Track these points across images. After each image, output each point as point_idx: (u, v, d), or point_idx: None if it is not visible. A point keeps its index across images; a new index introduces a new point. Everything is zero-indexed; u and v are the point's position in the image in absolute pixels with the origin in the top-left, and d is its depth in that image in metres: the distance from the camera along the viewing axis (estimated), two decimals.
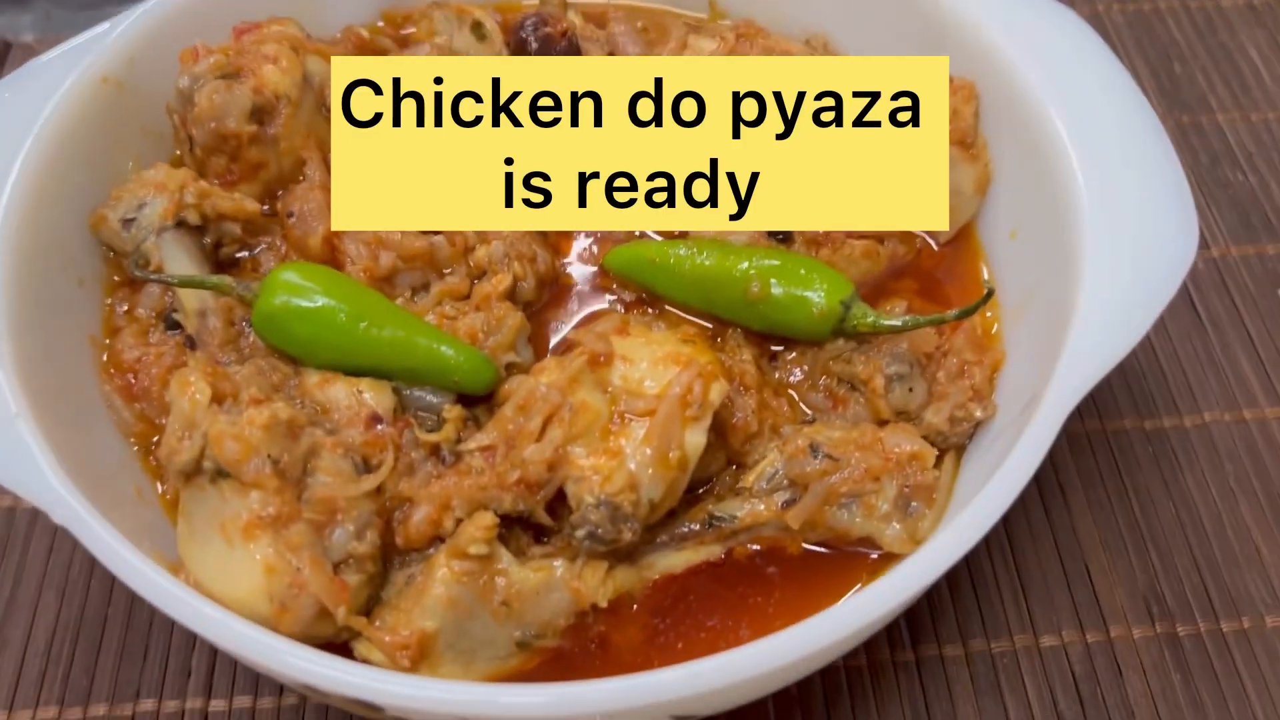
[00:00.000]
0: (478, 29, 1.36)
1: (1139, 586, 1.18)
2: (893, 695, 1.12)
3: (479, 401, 1.09)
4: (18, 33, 1.75)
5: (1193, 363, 1.34)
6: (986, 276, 1.21)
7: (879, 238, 1.19)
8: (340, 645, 0.94)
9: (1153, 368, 1.32)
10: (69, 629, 1.15)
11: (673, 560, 1.05)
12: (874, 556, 1.05)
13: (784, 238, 1.18)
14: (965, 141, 1.19)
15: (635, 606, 1.03)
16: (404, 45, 1.37)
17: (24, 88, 1.13)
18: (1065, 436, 1.25)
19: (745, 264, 1.12)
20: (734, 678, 0.79)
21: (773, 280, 1.10)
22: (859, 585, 1.03)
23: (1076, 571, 1.19)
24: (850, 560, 1.05)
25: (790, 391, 1.14)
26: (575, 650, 1.00)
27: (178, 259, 1.13)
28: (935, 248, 1.25)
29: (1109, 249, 1.03)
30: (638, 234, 1.24)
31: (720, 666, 0.80)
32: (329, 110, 1.25)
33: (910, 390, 1.08)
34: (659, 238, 1.22)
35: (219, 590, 0.91)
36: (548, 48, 1.31)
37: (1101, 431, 1.29)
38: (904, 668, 1.14)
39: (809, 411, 1.13)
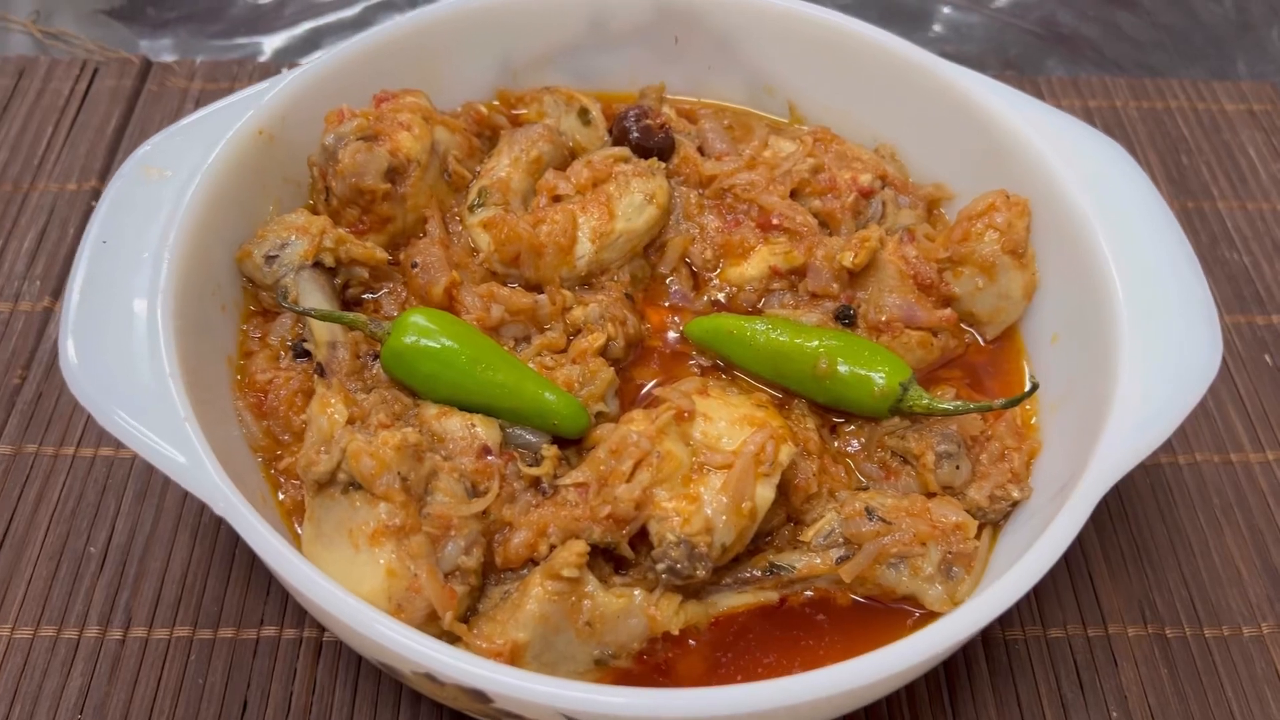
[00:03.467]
0: (584, 115, 1.52)
1: (1135, 593, 1.34)
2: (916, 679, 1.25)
3: (570, 444, 1.22)
4: (158, 54, 1.92)
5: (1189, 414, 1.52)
6: (1030, 373, 1.34)
7: (934, 330, 1.33)
8: None
9: None
10: (201, 564, 1.30)
11: (734, 601, 1.17)
12: (916, 615, 1.17)
13: (849, 322, 1.32)
14: (1017, 251, 1.33)
15: (696, 641, 1.15)
16: (516, 123, 1.52)
17: (195, 132, 1.28)
18: None
19: (815, 342, 1.25)
20: (830, 691, 0.91)
21: (839, 359, 1.24)
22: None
23: (1081, 577, 1.35)
24: (893, 615, 1.17)
25: (847, 460, 1.26)
26: (643, 673, 1.12)
27: (312, 295, 1.27)
28: (982, 343, 1.39)
29: (1143, 356, 1.16)
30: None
31: (809, 685, 0.91)
32: (450, 175, 1.40)
33: (957, 468, 1.21)
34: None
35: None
36: (648, 137, 1.47)
37: None
38: None
39: (863, 479, 1.25)
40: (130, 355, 1.08)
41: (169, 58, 1.93)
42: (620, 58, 1.59)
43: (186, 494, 1.34)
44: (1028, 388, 1.18)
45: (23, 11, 2.00)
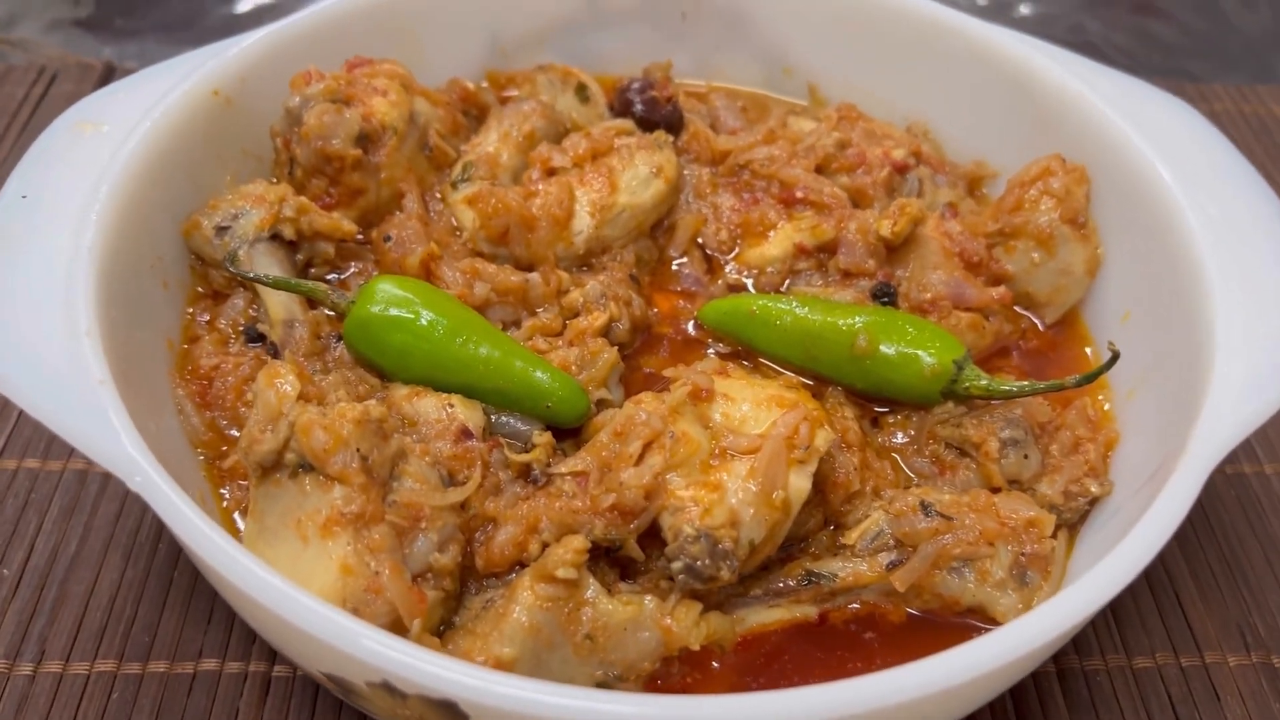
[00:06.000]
0: (581, 91, 1.37)
1: (1232, 617, 1.15)
2: (982, 710, 1.04)
3: (566, 436, 1.03)
4: (123, 60, 1.78)
5: (1272, 418, 1.32)
6: (1106, 346, 1.16)
7: (985, 312, 1.16)
8: None
9: None
10: (133, 588, 1.10)
11: (765, 617, 0.97)
12: (984, 633, 0.96)
13: (888, 301, 1.14)
14: (1076, 221, 1.17)
15: (719, 664, 0.95)
16: (506, 103, 1.36)
17: (141, 88, 1.13)
18: None
19: (853, 319, 1.08)
20: (882, 703, 0.71)
21: (881, 336, 1.06)
22: None
23: (1167, 599, 1.16)
24: (956, 633, 0.97)
25: (893, 455, 1.08)
26: None
27: (268, 270, 1.10)
28: (1041, 328, 1.21)
29: (1240, 320, 0.98)
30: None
31: (860, 690, 0.71)
32: (431, 150, 1.24)
33: (1025, 457, 1.02)
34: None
35: None
36: (653, 110, 1.31)
37: None
38: None
39: (914, 476, 1.06)
40: (40, 315, 0.91)
41: (135, 65, 1.79)
42: (621, 37, 1.45)
43: (121, 509, 1.18)
44: (1110, 356, 0.99)
45: None
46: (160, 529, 1.15)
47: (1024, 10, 2.03)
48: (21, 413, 1.25)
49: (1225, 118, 1.80)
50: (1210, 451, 0.89)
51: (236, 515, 1.00)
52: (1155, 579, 1.17)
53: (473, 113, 1.35)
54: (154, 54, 1.86)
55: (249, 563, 0.76)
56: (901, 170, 1.26)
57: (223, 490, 1.01)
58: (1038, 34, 1.30)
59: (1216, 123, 1.76)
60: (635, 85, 1.33)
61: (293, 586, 0.75)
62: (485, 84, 1.42)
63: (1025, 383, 1.04)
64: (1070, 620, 0.77)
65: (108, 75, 1.72)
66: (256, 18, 1.95)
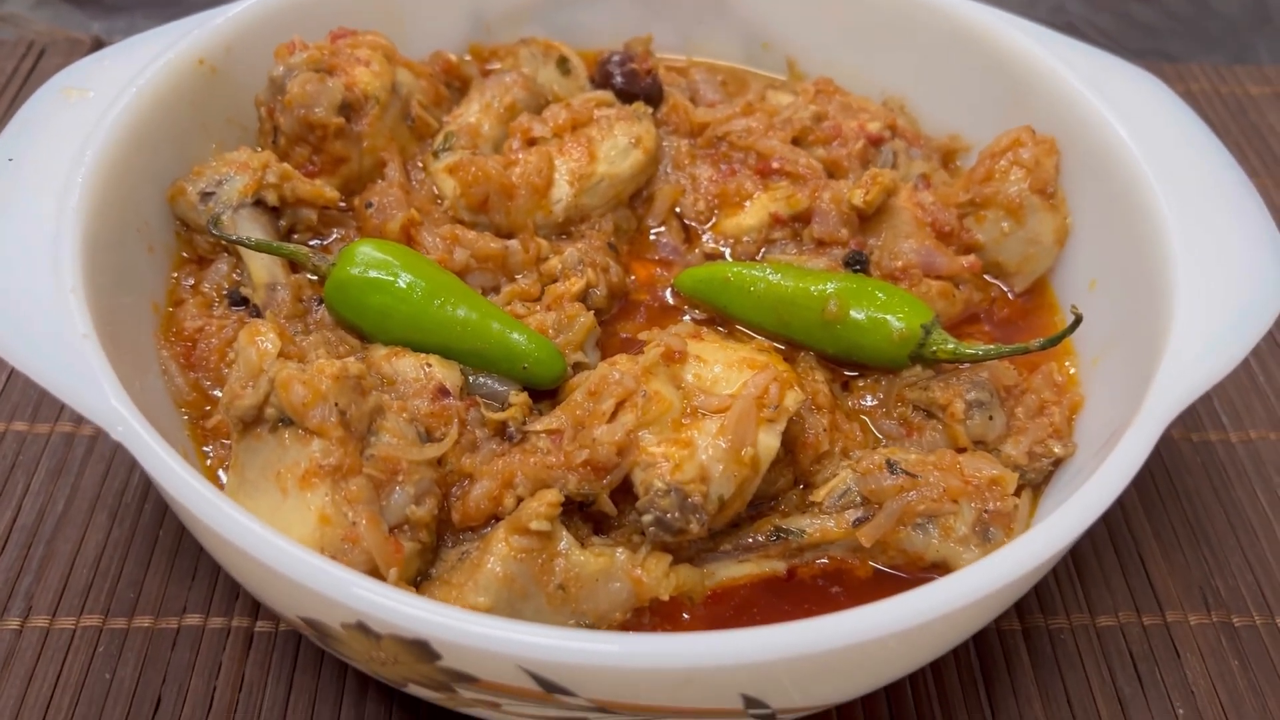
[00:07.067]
0: (563, 64, 1.38)
1: (1194, 578, 1.18)
2: (948, 667, 1.08)
3: (543, 397, 1.05)
4: (110, 35, 1.80)
5: (1238, 388, 1.38)
6: (1070, 311, 1.19)
7: (956, 280, 1.18)
8: None
9: None
10: (119, 547, 1.13)
11: (735, 571, 1.00)
12: None
13: (860, 268, 1.17)
14: (1046, 191, 1.19)
15: (690, 615, 0.97)
16: (488, 75, 1.38)
17: (127, 56, 1.15)
18: None
19: (824, 285, 1.10)
20: (823, 646, 0.74)
21: (851, 302, 1.09)
22: None
23: (1131, 560, 1.19)
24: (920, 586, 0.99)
25: (862, 417, 1.10)
26: None
27: (251, 234, 1.11)
28: (1011, 296, 1.23)
29: (1200, 289, 1.01)
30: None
31: (801, 632, 0.74)
32: (413, 120, 1.26)
33: (990, 419, 1.05)
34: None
35: None
36: (633, 82, 1.33)
37: None
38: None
39: (881, 438, 1.09)
40: (26, 274, 0.93)
41: (121, 39, 1.80)
42: (602, 10, 1.47)
43: (107, 470, 1.20)
44: (1073, 319, 1.02)
45: None
46: (146, 490, 1.17)
47: None
48: (10, 376, 1.27)
49: (1202, 97, 1.83)
50: (1163, 410, 0.91)
51: (220, 473, 1.02)
52: (1120, 540, 1.20)
53: (455, 84, 1.37)
54: (142, 28, 1.85)
55: (229, 509, 0.78)
56: (876, 142, 1.29)
57: (206, 449, 1.04)
58: (1021, 14, 1.32)
59: (1193, 102, 1.79)
60: (615, 58, 1.35)
61: (271, 531, 0.78)
62: (468, 57, 1.44)
63: (991, 346, 1.07)
64: (1019, 569, 0.80)
65: (96, 50, 1.73)
66: None
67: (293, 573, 0.75)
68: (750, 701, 0.79)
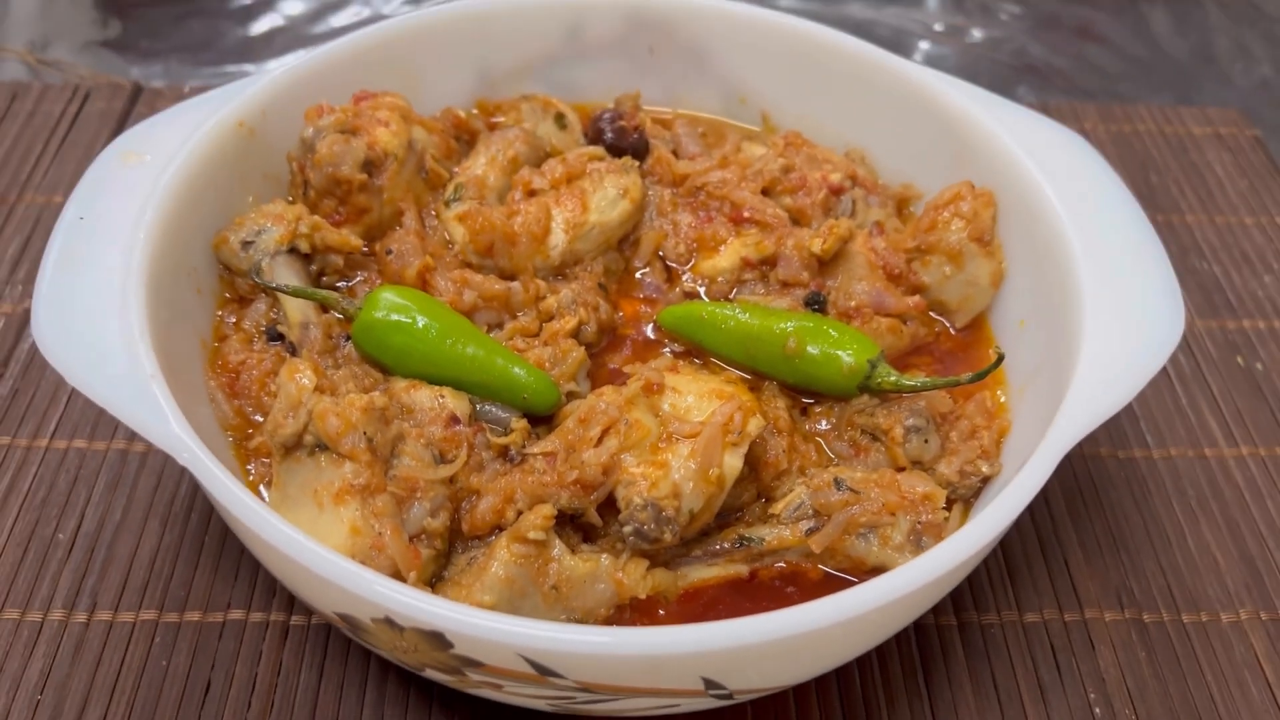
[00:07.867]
0: (560, 119, 1.55)
1: (1112, 581, 1.34)
2: (892, 657, 1.25)
3: (540, 422, 1.22)
4: (149, 80, 1.97)
5: (1163, 410, 1.55)
6: (995, 347, 1.35)
7: (903, 317, 1.34)
8: None
9: (1126, 410, 1.49)
10: (170, 551, 1.30)
11: (704, 573, 1.16)
12: None
13: (819, 307, 1.33)
14: (983, 239, 1.35)
15: (665, 611, 1.14)
16: (493, 129, 1.55)
17: (176, 121, 1.31)
18: None
19: (785, 324, 1.27)
20: (768, 636, 0.90)
21: (808, 339, 1.25)
22: None
23: (1057, 564, 1.35)
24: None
25: (818, 439, 1.27)
26: None
27: (287, 279, 1.28)
28: (953, 331, 1.40)
29: (1105, 330, 1.17)
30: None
31: (755, 626, 0.90)
32: (427, 173, 1.43)
33: (926, 442, 1.21)
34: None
35: None
36: (622, 138, 1.50)
37: (1080, 455, 1.47)
38: (902, 634, 1.27)
39: (834, 457, 1.25)
40: (100, 320, 1.09)
41: (160, 84, 1.97)
42: (596, 69, 1.63)
43: (158, 483, 1.36)
44: (995, 359, 1.18)
45: (19, 41, 2.05)
46: (193, 500, 1.34)
47: (976, 34, 2.21)
48: (70, 397, 1.44)
49: (1148, 137, 1.98)
50: (1064, 439, 1.07)
51: (261, 488, 1.19)
52: (1049, 547, 1.36)
53: (464, 138, 1.54)
54: (177, 73, 2.05)
55: (277, 521, 0.95)
56: (837, 192, 1.45)
57: (249, 467, 1.20)
58: (986, 56, 1.48)
59: (1138, 141, 1.96)
60: (607, 115, 1.51)
61: (313, 540, 0.94)
62: (475, 111, 1.60)
63: (929, 379, 1.23)
64: (936, 571, 0.96)
65: (136, 94, 1.90)
66: (269, 38, 2.13)
67: (332, 576, 0.92)
68: (709, 683, 0.95)
